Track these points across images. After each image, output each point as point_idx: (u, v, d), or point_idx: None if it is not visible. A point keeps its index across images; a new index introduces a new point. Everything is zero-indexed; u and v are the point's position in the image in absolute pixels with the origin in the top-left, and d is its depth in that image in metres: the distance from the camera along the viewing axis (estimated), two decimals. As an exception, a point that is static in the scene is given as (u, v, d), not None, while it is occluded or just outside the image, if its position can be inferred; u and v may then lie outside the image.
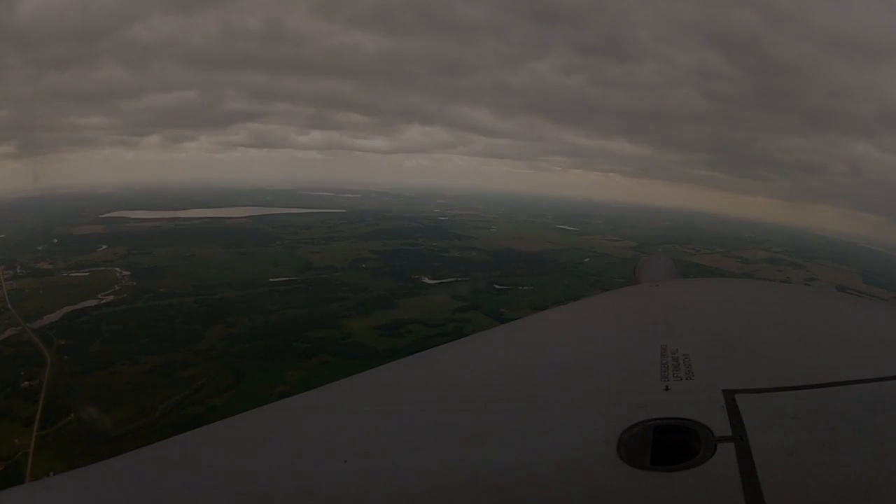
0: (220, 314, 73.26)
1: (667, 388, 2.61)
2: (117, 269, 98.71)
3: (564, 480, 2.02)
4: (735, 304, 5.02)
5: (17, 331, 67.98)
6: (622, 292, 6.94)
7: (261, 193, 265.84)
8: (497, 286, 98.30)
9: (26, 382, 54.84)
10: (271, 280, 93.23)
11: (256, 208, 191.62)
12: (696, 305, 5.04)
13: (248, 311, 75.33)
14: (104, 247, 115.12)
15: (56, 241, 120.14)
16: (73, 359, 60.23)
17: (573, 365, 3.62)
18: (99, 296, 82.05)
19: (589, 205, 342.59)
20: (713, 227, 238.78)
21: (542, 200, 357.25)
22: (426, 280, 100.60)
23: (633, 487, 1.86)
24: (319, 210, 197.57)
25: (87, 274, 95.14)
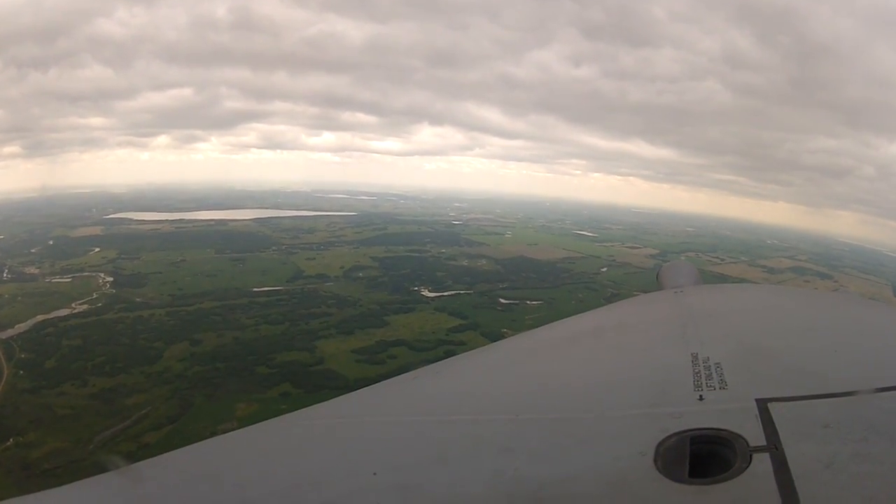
0: (188, 329, 67.71)
1: (701, 398, 2.62)
2: (101, 274, 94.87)
3: (603, 495, 2.05)
4: (762, 310, 5.05)
5: (-16, 340, 64.28)
6: (647, 298, 6.95)
7: (273, 195, 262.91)
8: (503, 300, 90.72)
9: (-25, 399, 52.19)
10: (255, 290, 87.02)
11: (264, 210, 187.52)
12: (722, 312, 4.98)
13: (219, 325, 69.64)
14: (97, 249, 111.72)
15: (52, 242, 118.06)
16: (28, 374, 57.08)
17: (604, 373, 3.67)
18: (73, 304, 78.37)
19: (609, 209, 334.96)
20: (736, 233, 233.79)
21: (561, 204, 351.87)
22: (425, 293, 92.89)
23: (673, 501, 1.88)
24: (329, 213, 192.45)
25: (69, 280, 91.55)
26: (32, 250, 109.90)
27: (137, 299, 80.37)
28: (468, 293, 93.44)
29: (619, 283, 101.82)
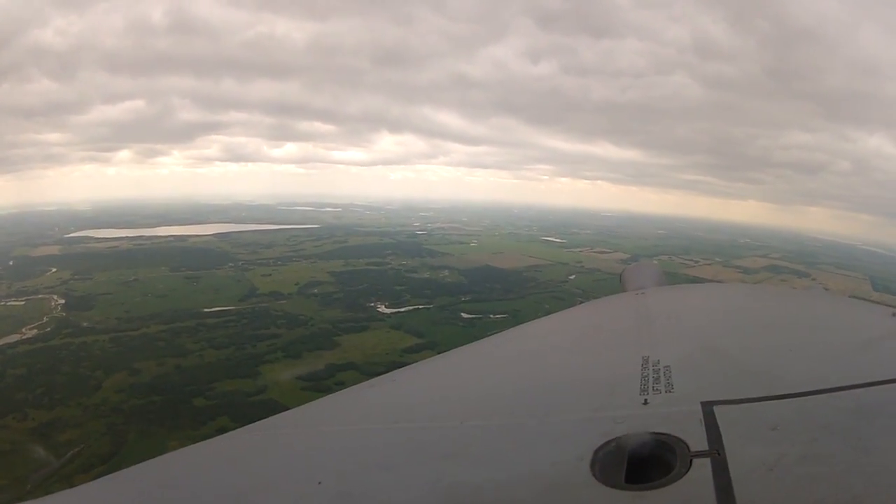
0: (130, 356, 65.29)
1: (645, 402, 2.61)
2: (54, 296, 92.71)
3: (537, 501, 2.02)
4: (719, 310, 5.06)
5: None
6: (606, 301, 6.72)
7: (238, 209, 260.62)
8: (464, 314, 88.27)
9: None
10: (205, 310, 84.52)
11: (226, 225, 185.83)
12: (679, 313, 4.90)
13: (163, 352, 67.32)
14: (53, 270, 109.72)
15: (12, 263, 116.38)
16: (-27, 407, 55.21)
17: (553, 379, 3.62)
18: (23, 329, 76.17)
19: (577, 214, 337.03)
20: (707, 234, 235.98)
21: (529, 211, 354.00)
22: (381, 309, 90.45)
23: None
24: (291, 226, 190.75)
25: (23, 302, 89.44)
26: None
27: (84, 323, 78.26)
28: (427, 308, 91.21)
29: (587, 291, 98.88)
